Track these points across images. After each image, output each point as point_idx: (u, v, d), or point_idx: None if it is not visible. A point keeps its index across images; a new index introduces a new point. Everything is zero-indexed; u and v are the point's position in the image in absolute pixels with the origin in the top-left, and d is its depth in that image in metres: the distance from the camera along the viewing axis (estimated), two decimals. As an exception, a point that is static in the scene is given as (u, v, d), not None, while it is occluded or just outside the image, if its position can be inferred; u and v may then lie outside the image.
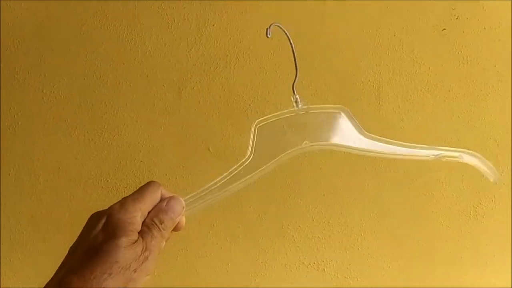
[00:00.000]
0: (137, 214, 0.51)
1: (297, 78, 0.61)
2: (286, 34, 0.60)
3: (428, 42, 0.97)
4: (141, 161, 0.97)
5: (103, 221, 0.51)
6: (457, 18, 0.96)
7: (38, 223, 0.98)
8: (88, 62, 0.95)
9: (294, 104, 0.61)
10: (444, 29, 0.97)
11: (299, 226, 1.02)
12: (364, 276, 1.04)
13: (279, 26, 0.60)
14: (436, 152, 0.62)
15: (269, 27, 0.59)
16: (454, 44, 0.97)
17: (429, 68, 0.98)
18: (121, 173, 0.97)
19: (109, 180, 0.97)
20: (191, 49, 0.96)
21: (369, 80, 0.98)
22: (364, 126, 0.97)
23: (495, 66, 0.97)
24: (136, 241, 0.50)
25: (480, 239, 1.02)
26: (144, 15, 0.95)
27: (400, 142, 0.62)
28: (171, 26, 0.95)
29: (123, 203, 0.52)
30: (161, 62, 0.96)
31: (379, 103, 0.98)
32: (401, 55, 0.97)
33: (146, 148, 0.98)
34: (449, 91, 0.98)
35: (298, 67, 0.61)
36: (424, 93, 0.99)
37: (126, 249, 0.49)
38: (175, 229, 0.55)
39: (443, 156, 0.62)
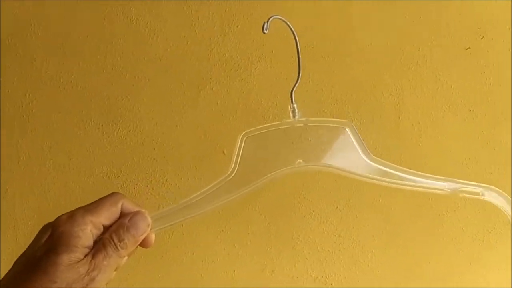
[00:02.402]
0: (86, 228, 0.45)
1: (297, 83, 0.53)
2: (289, 27, 0.52)
3: (452, 60, 0.96)
4: (154, 159, 0.96)
5: (48, 233, 0.45)
6: (482, 38, 0.96)
7: (44, 215, 0.95)
8: (108, 55, 0.94)
9: (291, 114, 0.54)
10: (469, 48, 0.96)
11: (309, 237, 0.99)
12: (371, 295, 1.02)
13: (280, 19, 0.52)
14: (453, 186, 0.54)
15: (267, 21, 0.52)
16: (478, 64, 0.96)
17: (451, 86, 0.97)
18: (133, 169, 0.96)
19: (120, 176, 0.95)
20: (213, 49, 0.95)
21: (390, 94, 0.97)
22: (382, 140, 0.97)
23: (517, 89, 0.96)
24: (81, 259, 0.44)
25: (492, 264, 1.00)
26: (168, 12, 0.94)
27: (412, 171, 0.54)
28: (194, 24, 0.94)
29: (72, 214, 0.46)
30: (182, 60, 0.95)
31: (399, 117, 0.97)
32: (424, 71, 0.96)
33: (160, 146, 0.96)
34: (470, 110, 0.97)
35: (301, 71, 0.53)
36: (445, 111, 0.97)
37: (66, 268, 0.43)
38: (142, 245, 0.49)
39: (462, 191, 0.54)
